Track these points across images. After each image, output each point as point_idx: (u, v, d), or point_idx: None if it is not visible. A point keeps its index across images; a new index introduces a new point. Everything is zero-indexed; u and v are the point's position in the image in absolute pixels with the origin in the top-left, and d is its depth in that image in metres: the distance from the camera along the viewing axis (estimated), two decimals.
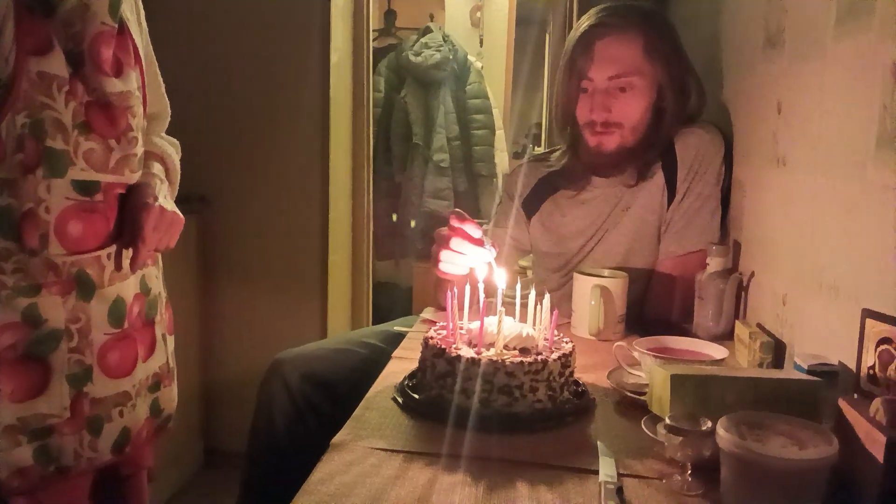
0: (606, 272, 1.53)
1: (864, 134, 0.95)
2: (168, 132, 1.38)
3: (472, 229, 1.29)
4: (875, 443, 0.74)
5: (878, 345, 0.82)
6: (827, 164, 1.09)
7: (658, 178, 1.59)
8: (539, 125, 5.14)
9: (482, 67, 3.87)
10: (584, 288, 1.47)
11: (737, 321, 1.39)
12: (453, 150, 3.73)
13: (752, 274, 1.43)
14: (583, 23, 1.60)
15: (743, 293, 1.46)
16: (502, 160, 3.85)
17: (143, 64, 1.20)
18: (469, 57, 3.76)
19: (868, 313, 0.84)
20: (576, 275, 1.51)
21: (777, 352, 1.23)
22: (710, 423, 0.83)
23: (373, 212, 3.11)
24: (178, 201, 1.28)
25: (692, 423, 0.84)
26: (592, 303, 1.44)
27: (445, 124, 3.70)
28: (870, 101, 0.94)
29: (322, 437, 0.97)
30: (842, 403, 0.83)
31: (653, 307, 1.61)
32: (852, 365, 0.95)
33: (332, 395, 1.50)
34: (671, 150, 1.58)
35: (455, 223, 1.28)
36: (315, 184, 2.72)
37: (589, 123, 1.59)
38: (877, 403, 0.77)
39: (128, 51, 1.13)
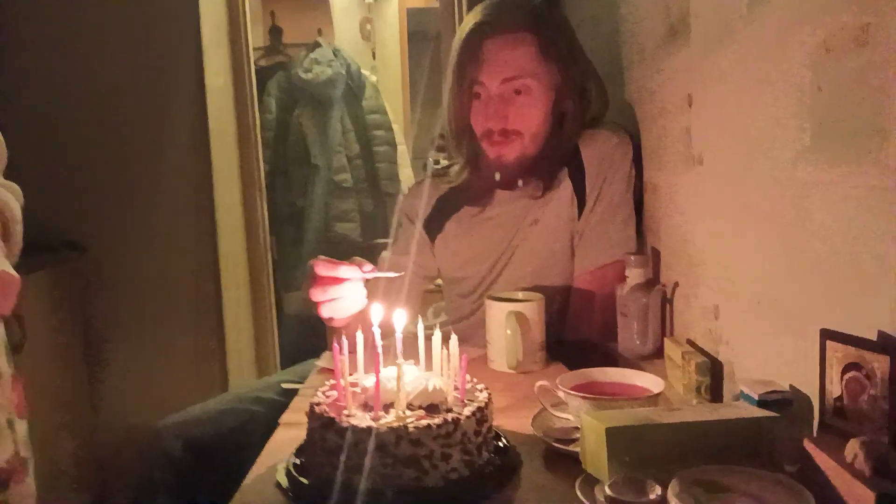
0: (521, 294, 1.38)
1: (795, 124, 0.83)
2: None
3: (346, 271, 1.15)
4: (859, 499, 0.60)
5: (843, 372, 0.69)
6: (752, 162, 0.97)
7: (566, 188, 1.45)
8: (444, 136, 5.00)
9: (377, 81, 3.71)
10: (498, 316, 1.31)
11: (665, 339, 1.26)
12: (355, 170, 3.54)
13: (676, 285, 1.30)
14: (468, 22, 1.44)
15: (668, 306, 1.34)
16: (407, 176, 3.68)
17: None
18: (363, 71, 3.58)
19: (828, 334, 0.71)
20: (487, 301, 1.35)
21: (714, 372, 1.10)
22: (658, 490, 0.68)
23: (275, 241, 2.90)
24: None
25: (636, 489, 0.69)
26: (508, 332, 1.29)
27: (345, 143, 3.51)
28: (799, 86, 0.82)
29: None
30: (808, 446, 0.69)
31: (573, 328, 1.47)
32: (805, 389, 0.83)
33: (223, 465, 1.30)
34: (577, 156, 1.44)
35: (321, 271, 1.14)
36: (201, 219, 2.51)
37: (486, 133, 1.44)
38: (853, 446, 0.64)
39: None
